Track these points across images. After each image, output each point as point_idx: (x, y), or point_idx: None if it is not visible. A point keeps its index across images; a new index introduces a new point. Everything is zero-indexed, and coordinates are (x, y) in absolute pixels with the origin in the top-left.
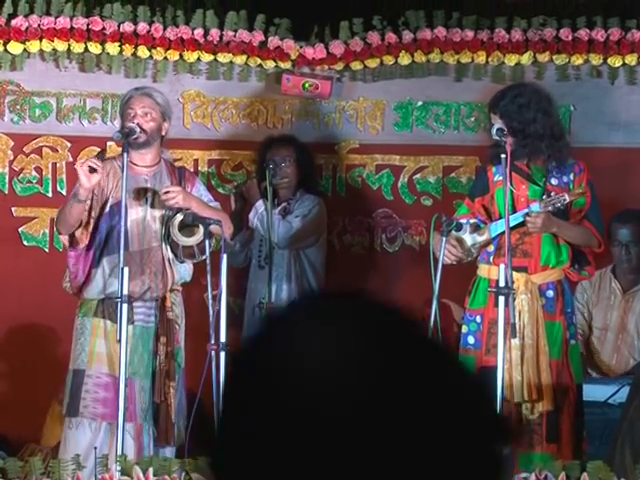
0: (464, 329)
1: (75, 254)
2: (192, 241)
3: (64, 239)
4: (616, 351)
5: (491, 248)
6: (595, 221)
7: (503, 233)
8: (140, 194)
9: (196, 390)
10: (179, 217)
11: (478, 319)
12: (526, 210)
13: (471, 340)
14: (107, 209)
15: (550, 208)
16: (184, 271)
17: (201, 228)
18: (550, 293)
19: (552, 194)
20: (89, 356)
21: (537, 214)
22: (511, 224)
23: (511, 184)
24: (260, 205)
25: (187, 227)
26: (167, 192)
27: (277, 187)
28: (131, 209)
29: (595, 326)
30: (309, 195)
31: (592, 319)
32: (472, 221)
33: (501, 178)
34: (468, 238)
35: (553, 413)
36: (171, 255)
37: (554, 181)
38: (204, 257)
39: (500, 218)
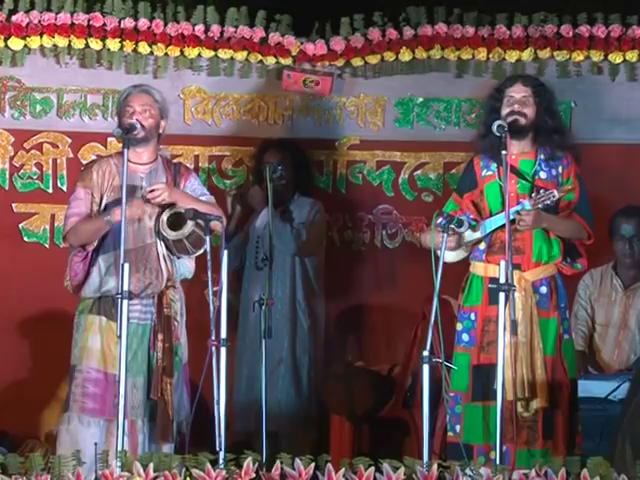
0: (458, 327)
1: (82, 254)
2: (177, 235)
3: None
4: (617, 347)
5: (483, 245)
6: (585, 213)
7: (495, 230)
8: (135, 191)
9: (198, 385)
10: (168, 212)
11: (472, 316)
12: (517, 208)
13: (466, 338)
14: (102, 208)
15: (540, 205)
16: (184, 268)
17: (189, 222)
18: (544, 289)
19: (542, 191)
20: (81, 351)
21: (527, 212)
22: (503, 222)
23: (500, 179)
24: (265, 215)
25: (180, 222)
26: (152, 190)
27: (275, 189)
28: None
29: (597, 322)
30: (307, 198)
31: (595, 315)
32: (462, 217)
33: (490, 173)
34: (465, 234)
35: (549, 409)
36: (165, 251)
37: (543, 175)
38: (199, 251)
39: (490, 215)
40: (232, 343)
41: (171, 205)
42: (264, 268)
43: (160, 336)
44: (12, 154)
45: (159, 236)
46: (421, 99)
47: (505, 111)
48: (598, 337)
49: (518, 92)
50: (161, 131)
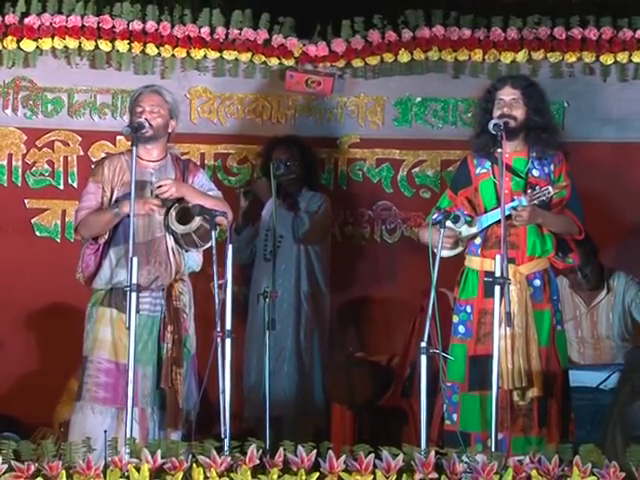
0: (455, 319)
1: (94, 247)
2: (186, 229)
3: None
4: (599, 360)
5: (478, 240)
6: (575, 209)
7: (490, 226)
8: (145, 186)
9: (204, 375)
10: (176, 207)
11: (468, 309)
12: (513, 204)
13: (462, 329)
14: (113, 202)
15: (536, 201)
16: (192, 262)
17: (197, 217)
18: (537, 282)
19: (537, 187)
20: (92, 343)
21: (523, 207)
22: (498, 218)
23: (494, 176)
24: (270, 204)
25: (188, 217)
26: (160, 186)
27: (284, 184)
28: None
29: (574, 340)
30: (315, 192)
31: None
32: (458, 213)
33: (484, 170)
34: (462, 230)
35: (543, 398)
36: (174, 245)
37: (536, 172)
38: (207, 245)
39: (485, 211)
40: (238, 334)
41: (180, 200)
42: (272, 260)
43: (170, 328)
44: (24, 152)
45: (168, 230)
46: (419, 99)
47: (496, 113)
48: (578, 354)
49: (508, 95)
50: (170, 130)
